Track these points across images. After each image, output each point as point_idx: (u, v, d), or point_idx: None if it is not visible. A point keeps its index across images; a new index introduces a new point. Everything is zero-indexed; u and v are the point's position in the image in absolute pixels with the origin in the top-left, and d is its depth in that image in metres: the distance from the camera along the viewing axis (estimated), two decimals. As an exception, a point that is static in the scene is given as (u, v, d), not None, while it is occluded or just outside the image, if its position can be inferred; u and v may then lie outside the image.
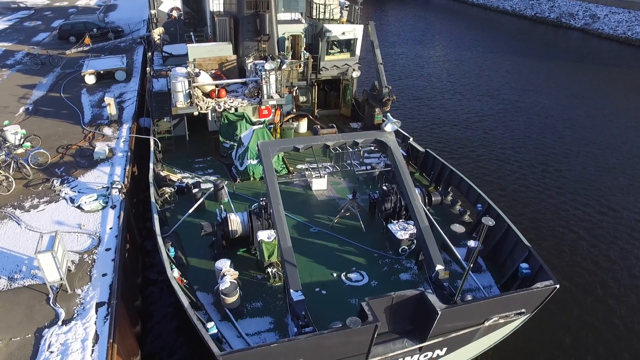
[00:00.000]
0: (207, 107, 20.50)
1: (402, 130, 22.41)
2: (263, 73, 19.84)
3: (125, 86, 28.69)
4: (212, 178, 19.72)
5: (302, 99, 24.82)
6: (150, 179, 17.29)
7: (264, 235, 13.35)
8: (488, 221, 9.22)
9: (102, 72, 29.02)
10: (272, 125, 21.87)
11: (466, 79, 41.53)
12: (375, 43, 22.39)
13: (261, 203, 14.41)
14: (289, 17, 26.32)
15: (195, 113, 20.60)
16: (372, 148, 22.74)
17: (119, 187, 16.97)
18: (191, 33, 29.27)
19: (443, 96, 36.61)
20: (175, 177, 19.62)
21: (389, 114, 14.18)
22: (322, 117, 25.81)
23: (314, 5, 25.08)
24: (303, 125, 23.77)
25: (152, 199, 16.04)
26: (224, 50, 22.20)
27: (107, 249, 14.09)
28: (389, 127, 14.06)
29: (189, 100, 20.08)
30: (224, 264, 12.79)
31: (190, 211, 16.27)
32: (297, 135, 23.28)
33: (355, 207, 16.19)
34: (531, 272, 12.81)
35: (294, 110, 24.13)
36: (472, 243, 14.07)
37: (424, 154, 20.12)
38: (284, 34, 23.46)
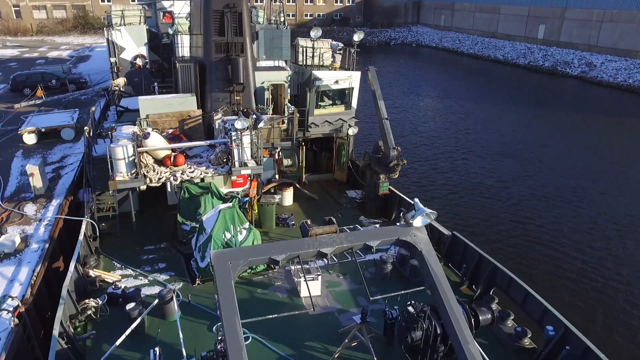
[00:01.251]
0: (160, 178, 15.38)
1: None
2: (233, 133, 14.94)
3: (71, 147, 23.61)
4: (163, 277, 14.35)
5: (286, 162, 19.91)
6: (65, 291, 11.77)
7: (219, 413, 7.89)
8: None
9: (43, 130, 23.95)
10: (247, 199, 16.78)
11: (474, 134, 36.95)
12: (377, 93, 17.84)
13: (218, 347, 8.98)
14: (270, 63, 21.86)
15: (142, 187, 15.47)
16: (377, 226, 17.71)
17: (14, 305, 11.44)
18: (155, 84, 24.67)
19: (453, 156, 31.63)
20: (111, 277, 14.19)
21: (417, 200, 9.25)
22: (312, 183, 20.84)
23: (300, 49, 20.65)
24: (288, 197, 18.75)
25: (56, 331, 10.47)
26: (185, 103, 17.39)
27: None
28: (418, 221, 9.00)
29: (133, 171, 14.97)
30: None
31: (118, 343, 10.81)
32: (280, 210, 18.16)
33: (366, 333, 10.83)
34: None
35: (277, 177, 19.15)
36: (561, 409, 8.71)
37: (449, 238, 15.03)
38: (262, 83, 18.84)
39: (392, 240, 9.22)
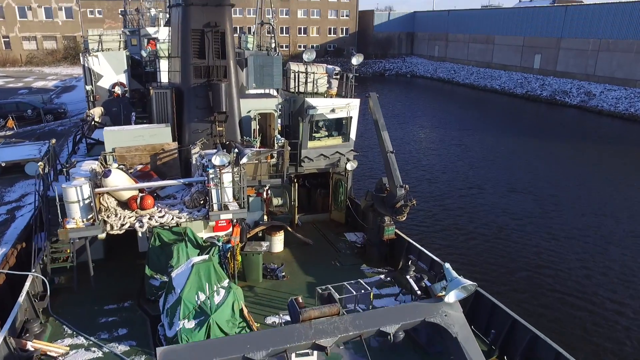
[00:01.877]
0: (122, 224, 12.83)
1: (427, 250, 14.97)
2: (211, 171, 12.51)
3: (35, 184, 21.02)
4: (122, 348, 11.62)
5: (276, 202, 17.45)
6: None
7: None
8: None
9: (4, 164, 21.49)
10: (229, 247, 14.18)
11: (480, 168, 34.30)
12: (380, 122, 15.61)
13: None
14: (260, 91, 19.69)
15: (101, 236, 12.91)
16: (382, 277, 15.16)
17: None
18: (133, 114, 22.44)
19: (461, 193, 28.93)
20: (56, 350, 11.43)
21: (448, 266, 6.80)
22: (306, 225, 18.33)
23: (292, 75, 18.51)
24: (278, 242, 16.18)
25: None
26: (158, 135, 15.03)
27: None
28: (452, 296, 6.53)
29: (90, 216, 12.42)
30: None
31: None
32: (269, 258, 15.55)
33: None
34: None
35: (265, 218, 16.63)
36: None
37: (472, 294, 12.46)
38: (249, 111, 16.57)
39: (416, 322, 6.68)
